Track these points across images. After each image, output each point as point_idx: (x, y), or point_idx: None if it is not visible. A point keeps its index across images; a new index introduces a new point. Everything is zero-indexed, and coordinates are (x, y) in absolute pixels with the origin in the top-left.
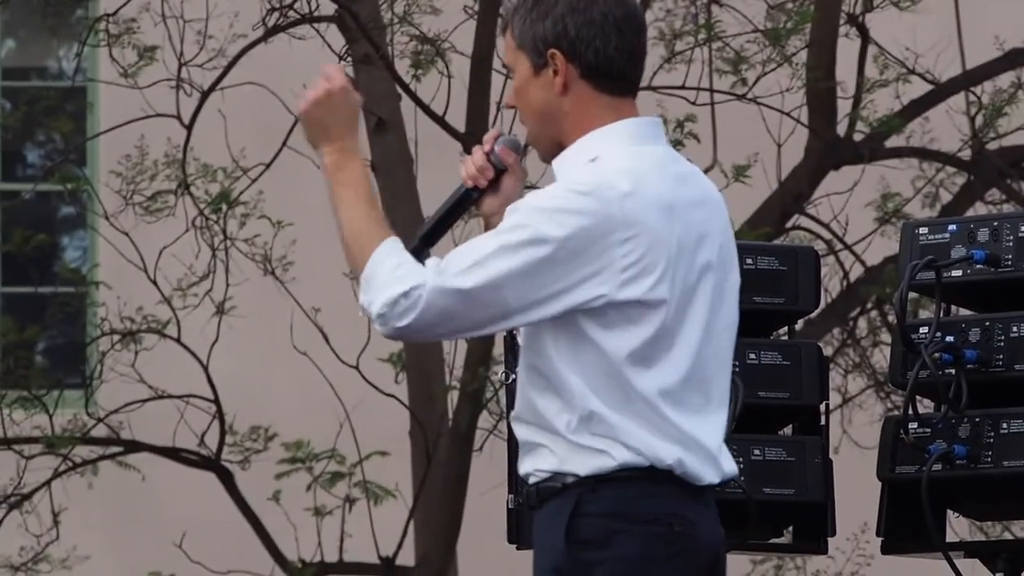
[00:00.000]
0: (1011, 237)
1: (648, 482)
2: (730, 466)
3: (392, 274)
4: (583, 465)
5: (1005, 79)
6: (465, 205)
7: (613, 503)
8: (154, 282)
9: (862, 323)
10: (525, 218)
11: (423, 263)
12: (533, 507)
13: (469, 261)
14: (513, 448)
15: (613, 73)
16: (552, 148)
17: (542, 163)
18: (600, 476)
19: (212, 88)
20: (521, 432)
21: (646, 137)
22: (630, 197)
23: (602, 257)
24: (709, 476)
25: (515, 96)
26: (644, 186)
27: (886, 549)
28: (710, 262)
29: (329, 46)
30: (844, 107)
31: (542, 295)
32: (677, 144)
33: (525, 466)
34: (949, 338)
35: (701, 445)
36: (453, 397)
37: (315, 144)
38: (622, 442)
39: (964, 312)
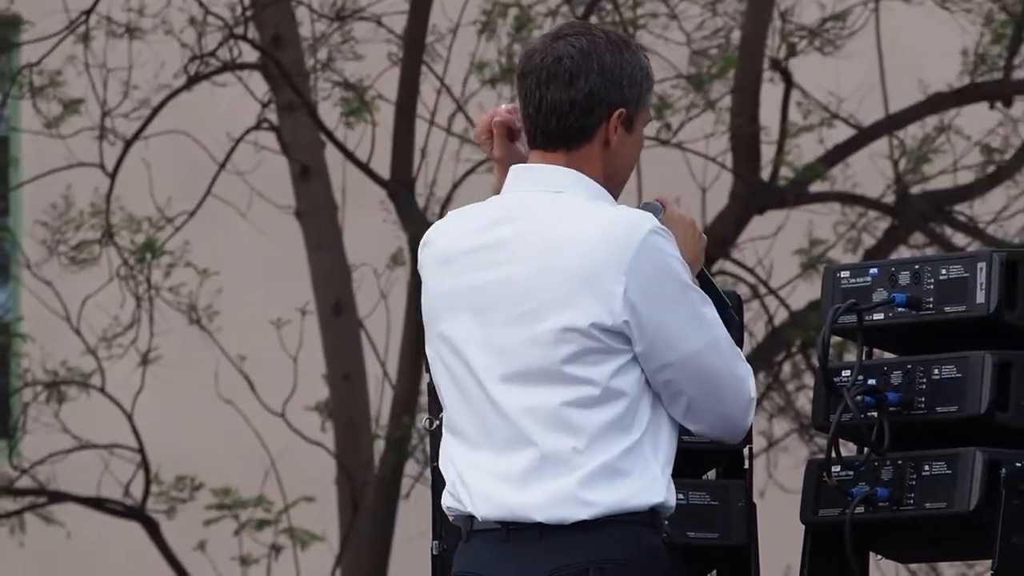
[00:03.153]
0: (932, 280)
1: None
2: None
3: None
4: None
5: (929, 123)
6: None
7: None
8: (78, 332)
9: (786, 367)
10: None
11: None
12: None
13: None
14: (437, 494)
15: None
16: None
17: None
18: None
19: (135, 137)
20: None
21: (508, 184)
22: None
23: None
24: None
25: None
26: (438, 236)
27: None
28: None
29: (252, 93)
30: (768, 152)
31: None
32: None
33: None
34: (871, 381)
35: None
36: (379, 445)
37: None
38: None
39: (886, 355)
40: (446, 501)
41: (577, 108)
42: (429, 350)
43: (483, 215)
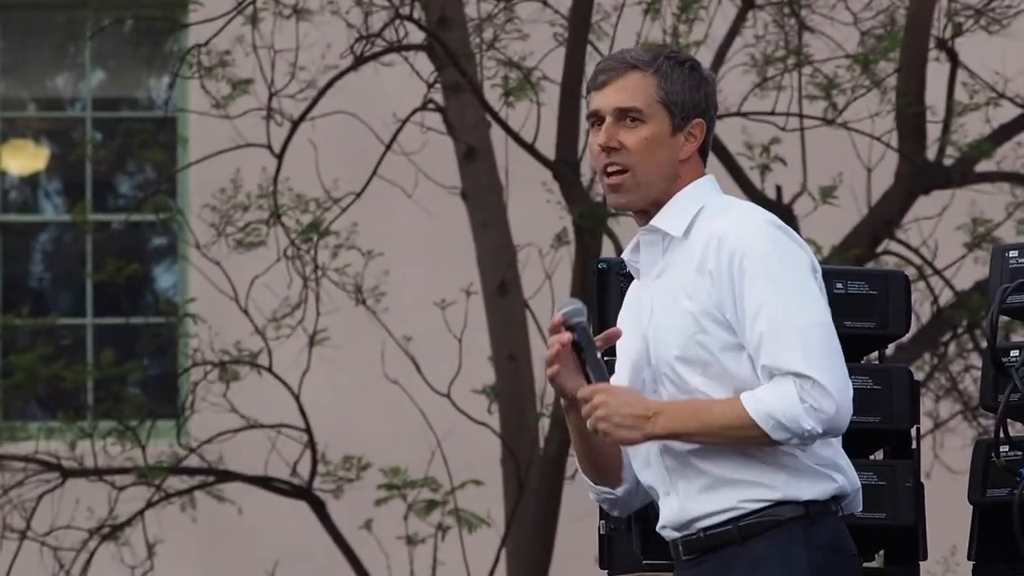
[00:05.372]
0: None
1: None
2: None
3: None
4: (808, 490)
5: None
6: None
7: (831, 535)
8: (246, 312)
9: (952, 348)
10: (762, 261)
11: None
12: (720, 546)
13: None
14: None
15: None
16: (648, 204)
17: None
18: (819, 504)
19: (303, 117)
20: (705, 467)
21: (719, 189)
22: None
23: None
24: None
25: (641, 145)
26: None
27: (977, 573)
28: None
29: (418, 74)
30: (934, 132)
31: None
32: (765, 168)
33: (713, 503)
34: None
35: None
36: (544, 425)
37: (642, 434)
38: (841, 465)
39: None
40: (841, 482)
41: None
42: None
43: None
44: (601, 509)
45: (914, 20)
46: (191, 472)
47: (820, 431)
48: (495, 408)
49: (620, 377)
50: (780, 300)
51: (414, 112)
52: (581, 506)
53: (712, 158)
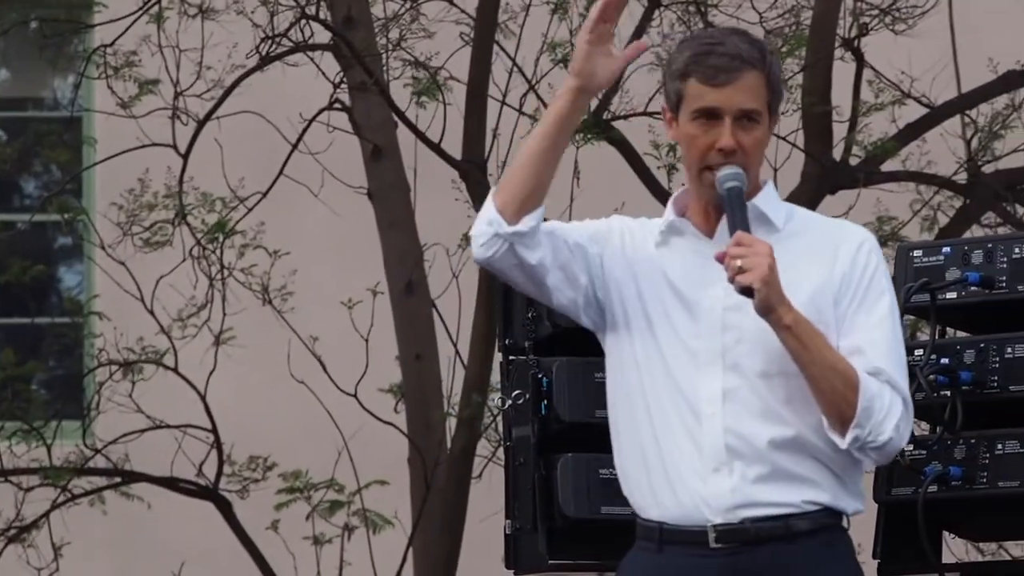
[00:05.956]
0: (1005, 259)
1: None
2: None
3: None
4: (850, 505)
5: (1000, 101)
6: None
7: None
8: (151, 312)
9: None
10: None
11: None
12: (767, 540)
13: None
14: (513, 474)
15: None
16: (751, 187)
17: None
18: (848, 520)
19: (208, 117)
20: (772, 456)
21: None
22: None
23: None
24: None
25: (756, 147)
26: None
27: (882, 571)
28: None
29: (324, 74)
30: (840, 131)
31: None
32: (672, 168)
33: (771, 494)
34: (944, 360)
35: None
36: (451, 424)
37: (775, 305)
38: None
39: (959, 334)
40: (860, 509)
41: None
42: None
43: None
44: (508, 508)
45: (819, 19)
46: (97, 473)
47: (884, 450)
48: (402, 407)
49: (684, 321)
50: (896, 331)
51: (320, 112)
52: (488, 506)
53: (618, 158)
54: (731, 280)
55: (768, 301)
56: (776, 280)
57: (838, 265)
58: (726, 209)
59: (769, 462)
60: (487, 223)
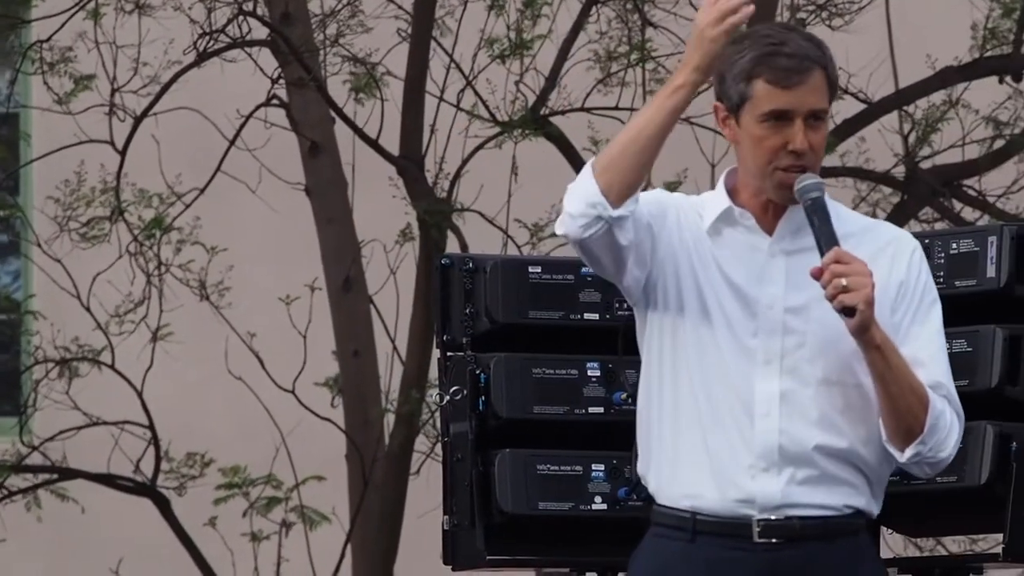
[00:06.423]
0: (942, 254)
1: None
2: None
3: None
4: (876, 508)
5: (937, 97)
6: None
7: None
8: (88, 309)
9: None
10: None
11: None
12: (809, 538)
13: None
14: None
15: None
16: None
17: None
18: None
19: (145, 113)
20: (822, 461)
21: None
22: None
23: None
24: None
25: (822, 145)
26: None
27: None
28: None
29: (261, 70)
30: None
31: None
32: None
33: (818, 496)
34: None
35: None
36: (389, 420)
37: (871, 325)
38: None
39: None
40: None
41: None
42: None
43: None
44: (446, 504)
45: (757, 14)
46: (34, 470)
47: (939, 465)
48: (339, 401)
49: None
50: (944, 340)
51: (258, 108)
52: (426, 502)
53: (556, 155)
54: (831, 298)
55: (868, 322)
56: (871, 301)
57: (894, 273)
58: (811, 220)
59: (818, 467)
60: (589, 205)
